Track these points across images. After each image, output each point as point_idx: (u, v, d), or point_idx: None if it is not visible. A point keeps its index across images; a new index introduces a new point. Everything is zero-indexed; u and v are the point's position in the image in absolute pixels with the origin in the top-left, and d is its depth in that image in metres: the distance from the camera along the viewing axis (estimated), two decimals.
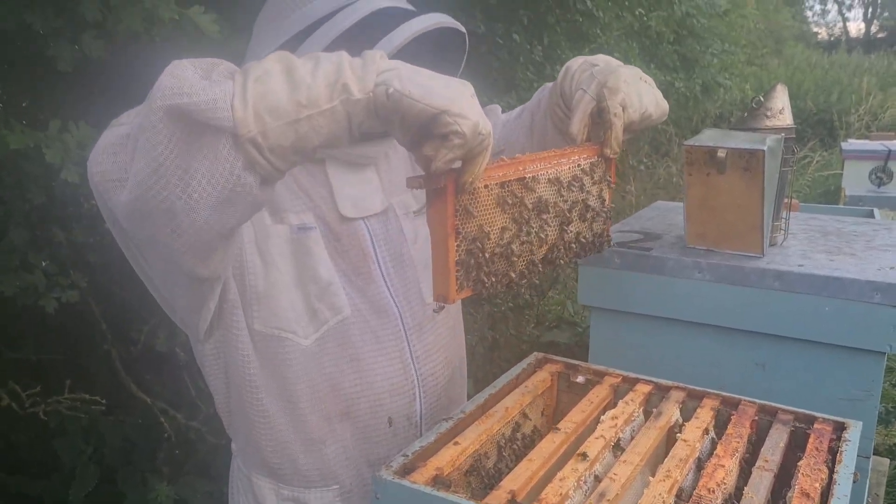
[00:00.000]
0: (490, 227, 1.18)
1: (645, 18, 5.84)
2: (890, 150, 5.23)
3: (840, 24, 42.26)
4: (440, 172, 1.03)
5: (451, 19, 1.32)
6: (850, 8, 42.96)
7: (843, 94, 14.30)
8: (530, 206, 1.24)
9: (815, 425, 1.34)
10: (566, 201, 1.33)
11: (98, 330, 2.96)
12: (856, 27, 42.54)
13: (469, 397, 1.49)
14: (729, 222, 1.70)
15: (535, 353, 1.62)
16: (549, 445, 1.26)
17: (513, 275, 1.25)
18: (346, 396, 1.44)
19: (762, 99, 1.76)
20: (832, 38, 37.85)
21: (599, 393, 1.46)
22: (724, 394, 1.44)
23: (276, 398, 1.41)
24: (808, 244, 1.83)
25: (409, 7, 1.34)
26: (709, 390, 1.46)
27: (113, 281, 3.04)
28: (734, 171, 1.63)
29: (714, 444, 1.30)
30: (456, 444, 1.25)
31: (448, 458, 1.20)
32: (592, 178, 1.38)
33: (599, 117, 1.37)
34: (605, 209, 1.44)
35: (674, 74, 8.20)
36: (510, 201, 1.20)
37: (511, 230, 1.22)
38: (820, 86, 15.00)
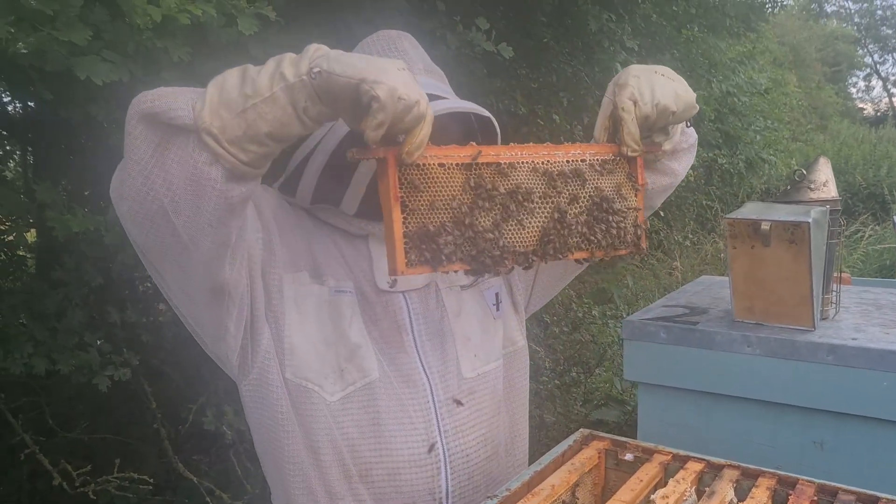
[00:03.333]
0: (445, 202, 1.19)
1: None
2: None
3: (886, 100, 42.05)
4: (372, 142, 1.07)
5: (470, 105, 1.40)
6: (895, 84, 42.81)
7: (893, 167, 14.10)
8: (503, 191, 1.25)
9: None
10: (560, 193, 1.31)
11: (148, 409, 3.01)
12: None
13: None
14: (777, 295, 1.67)
15: (582, 429, 1.59)
16: None
17: (485, 252, 1.23)
18: (363, 459, 1.44)
19: (805, 172, 1.76)
20: (878, 114, 37.62)
21: (649, 471, 1.42)
22: (780, 472, 1.39)
23: (303, 446, 1.42)
24: (861, 317, 1.79)
25: (441, 94, 1.41)
26: (764, 469, 1.40)
27: (163, 361, 3.10)
28: (779, 244, 1.61)
29: None
30: None
31: None
32: (602, 175, 1.36)
33: (616, 117, 1.36)
34: (631, 207, 1.40)
35: (716, 151, 8.22)
36: (475, 183, 1.21)
37: (475, 211, 1.22)
38: (868, 160, 14.83)
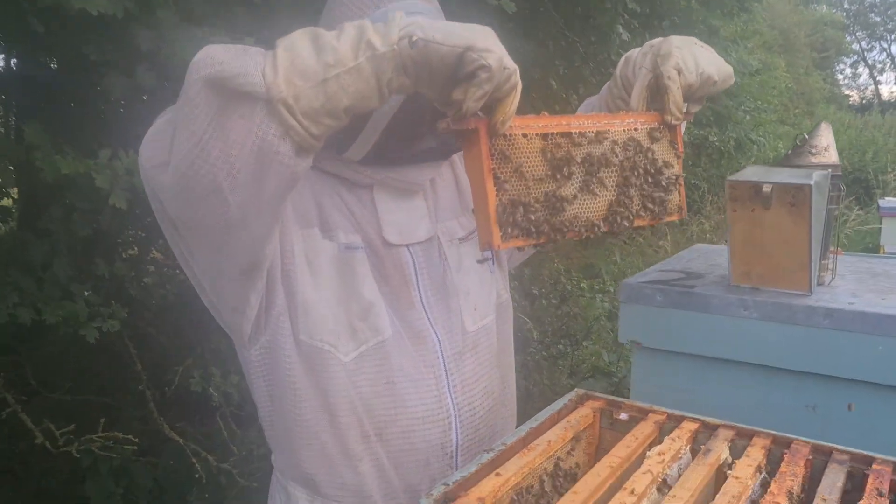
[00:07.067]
0: (532, 173, 1.16)
1: None
2: None
3: (871, 88, 42.25)
4: (470, 113, 1.03)
5: None
6: (881, 72, 42.98)
7: (879, 153, 14.24)
8: (578, 160, 1.23)
9: (874, 466, 1.28)
10: (621, 162, 1.31)
11: (133, 370, 2.98)
12: (888, 90, 42.50)
13: None
14: (775, 260, 1.67)
15: (577, 389, 1.58)
16: (594, 479, 1.21)
17: (566, 223, 1.21)
18: (379, 418, 1.42)
19: (807, 136, 1.74)
20: (864, 101, 37.82)
21: (644, 429, 1.41)
22: (775, 433, 1.39)
23: (318, 409, 1.39)
24: (857, 284, 1.79)
25: None
26: (759, 429, 1.40)
27: (149, 322, 3.07)
28: (780, 207, 1.60)
29: (766, 484, 1.25)
30: (498, 475, 1.21)
31: (490, 489, 1.17)
32: (652, 143, 1.36)
33: (657, 86, 1.36)
34: (674, 177, 1.40)
35: (707, 129, 8.24)
36: (553, 153, 1.19)
37: (558, 181, 1.20)
38: (854, 145, 14.95)
